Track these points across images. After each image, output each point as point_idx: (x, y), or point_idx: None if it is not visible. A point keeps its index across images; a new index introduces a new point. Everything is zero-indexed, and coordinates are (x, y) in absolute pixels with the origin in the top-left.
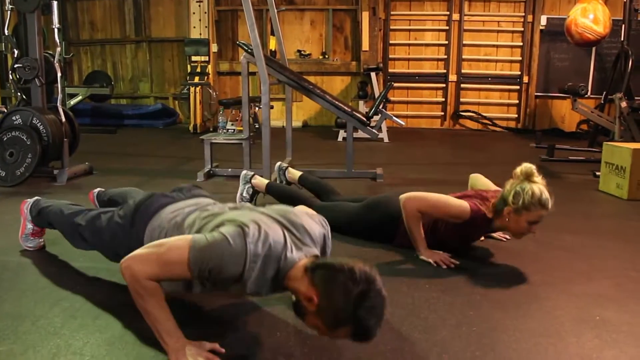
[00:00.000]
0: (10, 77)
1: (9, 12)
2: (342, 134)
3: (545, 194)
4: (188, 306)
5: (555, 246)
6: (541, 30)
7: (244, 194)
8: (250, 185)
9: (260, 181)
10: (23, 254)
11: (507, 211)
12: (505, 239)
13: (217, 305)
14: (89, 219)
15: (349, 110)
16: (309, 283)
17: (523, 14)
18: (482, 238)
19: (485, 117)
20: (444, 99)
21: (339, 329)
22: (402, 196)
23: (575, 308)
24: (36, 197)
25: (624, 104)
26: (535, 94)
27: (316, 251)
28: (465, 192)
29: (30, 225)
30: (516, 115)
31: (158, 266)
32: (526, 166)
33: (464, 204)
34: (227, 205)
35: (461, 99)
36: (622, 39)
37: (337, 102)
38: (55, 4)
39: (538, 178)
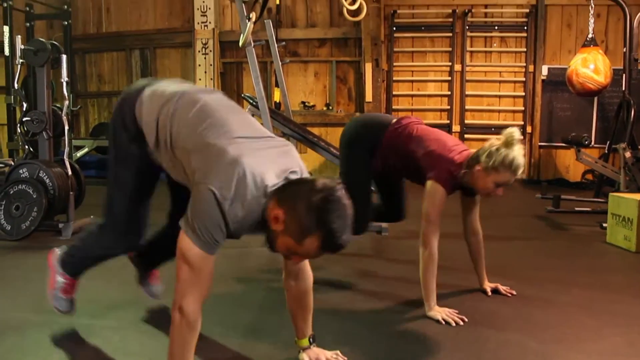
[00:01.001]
0: (19, 129)
1: (19, 65)
2: None
3: (518, 160)
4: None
5: (564, 301)
6: (543, 80)
7: None
8: None
9: None
10: (28, 312)
11: (477, 169)
12: (510, 295)
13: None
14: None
15: None
16: (275, 205)
17: (524, 64)
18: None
19: None
20: None
21: (307, 239)
22: (424, 246)
23: None
24: (64, 247)
25: (628, 154)
26: (539, 144)
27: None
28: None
29: (60, 279)
30: None
31: (194, 282)
32: (508, 131)
33: (434, 188)
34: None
35: None
36: (623, 88)
37: None
38: (64, 58)
39: (517, 144)
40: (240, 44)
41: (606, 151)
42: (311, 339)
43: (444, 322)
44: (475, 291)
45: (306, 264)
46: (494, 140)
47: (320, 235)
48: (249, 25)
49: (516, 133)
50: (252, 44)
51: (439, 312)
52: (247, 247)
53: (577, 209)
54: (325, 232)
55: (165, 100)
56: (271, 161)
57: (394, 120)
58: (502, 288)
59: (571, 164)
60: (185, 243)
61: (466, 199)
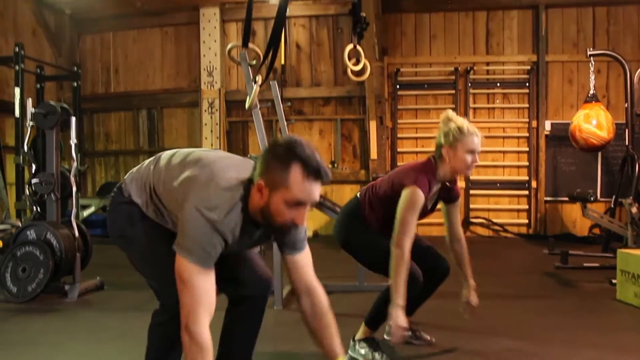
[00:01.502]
0: (27, 190)
1: (29, 127)
2: None
3: (470, 125)
4: None
5: None
6: (546, 136)
7: None
8: None
9: None
10: None
11: (445, 151)
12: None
13: None
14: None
15: None
16: (254, 186)
17: (527, 120)
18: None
19: (495, 224)
20: None
21: (290, 177)
22: (395, 247)
23: None
24: None
25: (634, 210)
26: (545, 198)
27: None
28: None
29: None
30: (527, 221)
31: (194, 299)
32: (444, 113)
33: (411, 191)
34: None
35: (471, 206)
36: (626, 143)
37: None
38: (73, 120)
39: (458, 118)
40: (247, 106)
41: (612, 205)
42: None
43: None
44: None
45: (314, 280)
46: (439, 126)
47: (298, 165)
48: (255, 88)
49: (450, 112)
50: (258, 106)
51: (396, 319)
52: None
53: (585, 264)
54: (301, 160)
55: (145, 166)
56: (236, 164)
57: (359, 193)
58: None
59: (578, 218)
60: (180, 264)
61: (448, 206)
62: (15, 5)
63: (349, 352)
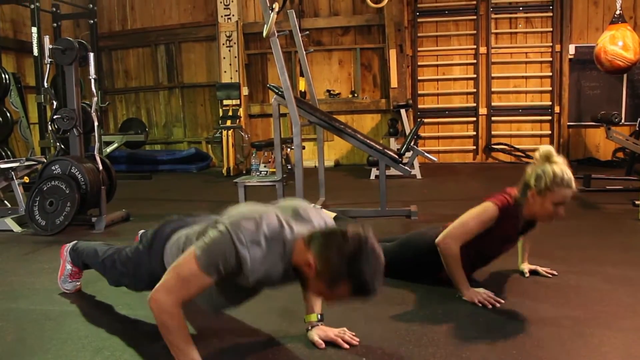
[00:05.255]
0: (49, 127)
1: (48, 65)
2: (374, 172)
3: (568, 174)
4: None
5: (598, 279)
6: (570, 60)
7: None
8: None
9: None
10: (65, 303)
11: (531, 195)
12: (551, 275)
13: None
14: (117, 253)
15: (381, 148)
16: (307, 251)
17: (551, 44)
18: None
19: (517, 150)
20: (475, 133)
21: (338, 286)
22: (438, 241)
23: (623, 344)
24: (74, 241)
25: None
26: (568, 123)
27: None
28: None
29: (69, 267)
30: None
31: (178, 288)
32: (544, 148)
33: (487, 204)
34: None
35: (493, 132)
36: None
37: (368, 141)
38: (92, 55)
39: (558, 158)
40: (264, 34)
41: (637, 128)
42: (319, 316)
43: (480, 305)
44: (513, 273)
45: None
46: (533, 164)
47: (351, 284)
48: (272, 16)
49: (551, 149)
50: (276, 34)
51: (476, 295)
52: None
53: (608, 187)
54: (357, 281)
55: None
56: (290, 216)
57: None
58: (541, 269)
59: (601, 142)
60: (188, 257)
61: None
62: None
63: None
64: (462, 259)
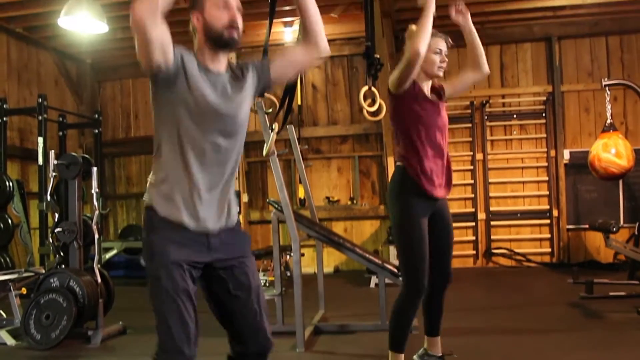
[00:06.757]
0: (50, 238)
1: (52, 178)
2: (374, 279)
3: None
4: None
5: None
6: (565, 164)
7: None
8: None
9: None
10: None
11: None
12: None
13: None
14: None
15: (380, 262)
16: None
17: (546, 150)
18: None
19: (518, 254)
20: (474, 238)
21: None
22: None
23: None
24: None
25: None
26: (567, 227)
27: None
28: None
29: None
30: (549, 250)
31: None
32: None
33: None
34: None
35: (492, 237)
36: None
37: (367, 255)
38: (94, 170)
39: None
40: (264, 153)
41: (636, 232)
42: None
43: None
44: None
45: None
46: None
47: None
48: (272, 136)
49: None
50: (276, 153)
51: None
52: None
53: (611, 293)
54: None
55: None
56: None
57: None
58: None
59: (602, 244)
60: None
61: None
62: (38, 56)
63: None
64: (414, 157)
